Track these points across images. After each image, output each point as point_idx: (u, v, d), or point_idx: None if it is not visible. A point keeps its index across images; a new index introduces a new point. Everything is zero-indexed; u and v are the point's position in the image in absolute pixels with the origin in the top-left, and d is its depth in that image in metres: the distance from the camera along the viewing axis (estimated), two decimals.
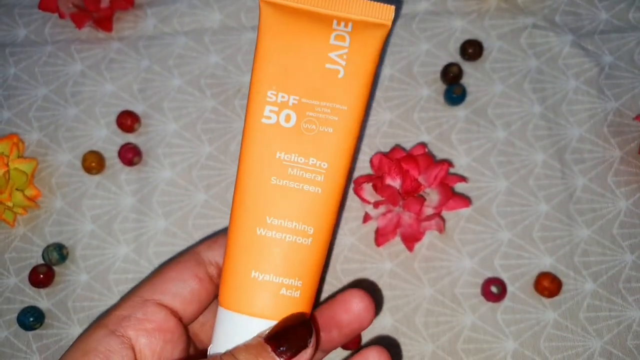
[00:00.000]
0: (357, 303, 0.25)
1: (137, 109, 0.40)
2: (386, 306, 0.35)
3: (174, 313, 0.25)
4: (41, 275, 0.35)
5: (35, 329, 0.35)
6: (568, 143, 0.37)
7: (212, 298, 0.26)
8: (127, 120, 0.39)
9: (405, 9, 0.41)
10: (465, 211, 0.36)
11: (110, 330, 0.23)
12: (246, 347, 0.22)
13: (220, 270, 0.26)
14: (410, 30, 0.40)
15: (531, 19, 0.40)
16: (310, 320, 0.23)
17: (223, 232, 0.26)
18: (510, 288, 0.35)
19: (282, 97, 0.24)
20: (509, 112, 0.38)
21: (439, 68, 0.39)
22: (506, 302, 0.35)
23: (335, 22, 0.24)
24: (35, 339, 0.35)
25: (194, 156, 0.39)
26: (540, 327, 0.34)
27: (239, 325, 0.23)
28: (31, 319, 0.35)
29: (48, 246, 0.36)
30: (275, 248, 0.23)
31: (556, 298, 0.34)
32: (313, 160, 0.24)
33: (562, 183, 0.37)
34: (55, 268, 0.36)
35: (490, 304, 0.35)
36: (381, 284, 0.35)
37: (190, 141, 0.39)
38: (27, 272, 0.36)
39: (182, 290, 0.25)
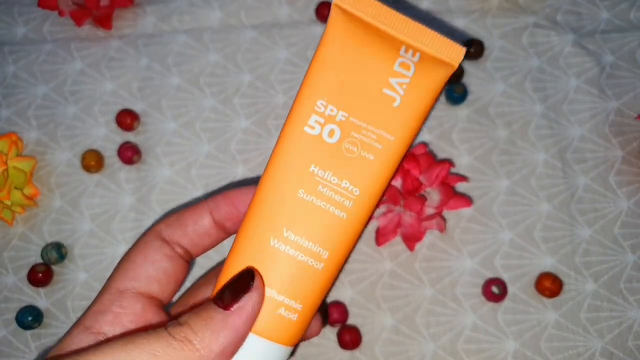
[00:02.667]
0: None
1: (137, 107, 0.40)
2: (387, 306, 0.35)
3: (152, 299, 0.23)
4: (40, 274, 0.35)
5: (33, 328, 0.35)
6: (569, 142, 0.37)
7: (186, 275, 0.25)
8: (127, 119, 0.38)
9: (407, 8, 0.41)
10: (466, 211, 0.36)
11: (86, 327, 0.22)
12: (196, 311, 0.21)
13: (185, 251, 0.25)
14: None
15: (533, 18, 0.40)
16: (253, 270, 0.22)
17: (182, 208, 0.25)
18: (511, 288, 0.35)
19: (331, 110, 0.23)
20: (510, 111, 0.38)
21: None
22: (507, 302, 0.35)
23: (403, 48, 0.23)
24: (34, 338, 0.35)
25: (193, 155, 0.38)
26: (541, 328, 0.34)
27: None
28: (30, 318, 0.34)
29: (47, 245, 0.36)
30: (285, 264, 0.22)
31: (557, 298, 0.34)
32: (346, 184, 0.23)
33: (563, 183, 0.37)
34: (54, 267, 0.36)
35: (491, 304, 0.35)
36: (382, 283, 0.35)
37: (190, 140, 0.39)
38: (25, 271, 0.36)
39: (155, 273, 0.23)
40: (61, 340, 0.22)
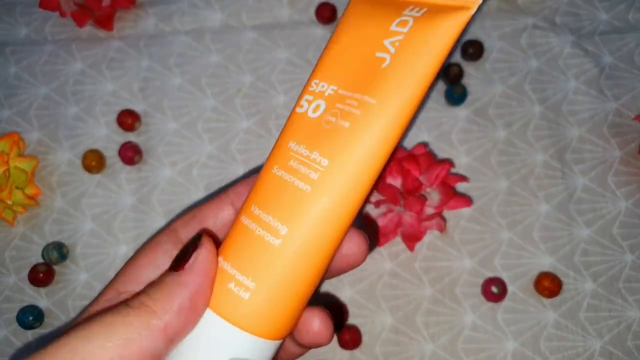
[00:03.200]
0: (318, 324, 0.23)
1: (138, 107, 0.40)
2: (387, 305, 0.35)
3: None
4: (41, 274, 0.35)
5: (34, 327, 0.35)
6: (568, 143, 0.38)
7: None
8: (128, 119, 0.39)
9: None
10: (465, 211, 0.36)
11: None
12: (152, 281, 0.21)
13: None
14: None
15: (531, 19, 0.40)
16: (201, 231, 0.22)
17: (184, 208, 0.25)
18: (510, 288, 0.35)
19: (322, 86, 0.22)
20: (510, 112, 0.38)
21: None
22: (506, 301, 0.35)
23: (410, 7, 0.21)
24: (35, 338, 0.35)
25: (194, 155, 0.39)
26: (541, 327, 0.34)
27: None
28: (31, 318, 0.35)
29: (48, 245, 0.36)
30: (243, 238, 0.21)
31: (556, 298, 0.34)
32: (315, 155, 0.21)
33: (562, 183, 0.37)
34: (55, 267, 0.36)
35: (490, 303, 0.35)
36: (381, 283, 0.35)
37: (191, 140, 0.39)
38: (26, 271, 0.36)
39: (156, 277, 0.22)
40: (51, 342, 0.21)
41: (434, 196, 0.34)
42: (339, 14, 0.41)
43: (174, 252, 0.23)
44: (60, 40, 0.42)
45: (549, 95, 0.39)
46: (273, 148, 0.22)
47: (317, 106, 0.21)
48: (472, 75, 0.39)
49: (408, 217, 0.35)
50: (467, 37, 0.40)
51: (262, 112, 0.39)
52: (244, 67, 0.40)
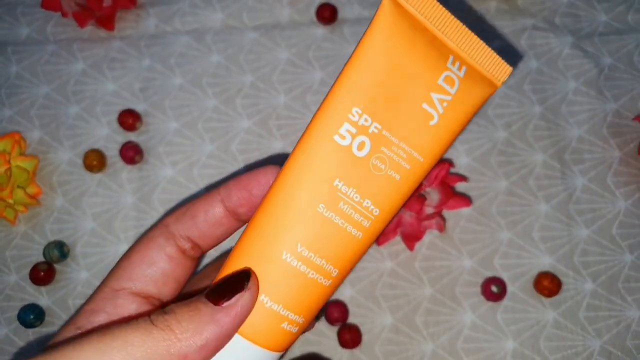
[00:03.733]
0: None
1: (139, 107, 0.40)
2: (386, 305, 0.35)
3: (149, 299, 0.22)
4: (42, 273, 0.35)
5: (35, 326, 0.35)
6: (568, 143, 0.38)
7: (191, 273, 0.24)
8: (129, 119, 0.39)
9: None
10: (465, 211, 0.36)
11: (77, 327, 0.21)
12: (185, 302, 0.20)
13: (194, 245, 0.24)
14: None
15: (531, 20, 0.41)
16: (250, 271, 0.21)
17: (191, 201, 0.25)
18: (510, 287, 0.35)
19: (366, 120, 0.21)
20: (510, 112, 0.39)
21: None
22: (506, 301, 0.35)
23: (451, 58, 0.21)
24: (36, 337, 0.35)
25: (195, 155, 0.39)
26: (540, 327, 0.34)
27: (236, 348, 0.21)
28: (31, 317, 0.35)
29: (49, 244, 0.36)
30: (295, 280, 0.21)
31: (556, 297, 0.35)
32: (367, 203, 0.21)
33: (561, 183, 0.37)
34: (56, 266, 0.36)
35: (490, 303, 0.35)
36: (382, 283, 0.35)
37: (192, 140, 0.39)
38: (27, 270, 0.36)
39: (151, 274, 0.22)
40: (53, 340, 0.22)
41: (433, 196, 0.35)
42: (340, 14, 0.41)
43: (167, 247, 0.23)
44: (61, 40, 0.42)
45: (548, 95, 0.39)
46: (307, 177, 0.21)
47: (362, 143, 0.21)
48: None
49: (408, 217, 0.35)
50: None
51: (262, 112, 0.40)
52: (245, 67, 0.41)
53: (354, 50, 0.21)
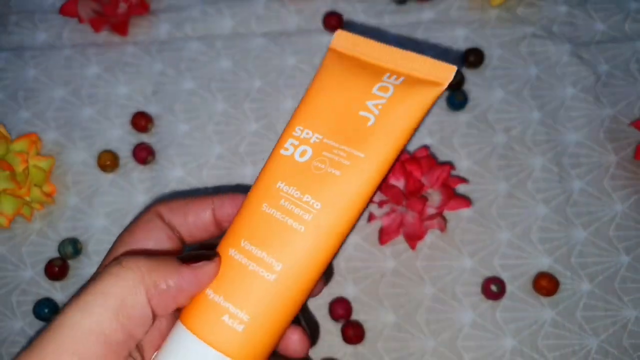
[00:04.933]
0: (295, 339, 0.25)
1: (151, 110, 0.41)
2: (389, 303, 0.36)
3: None
4: (56, 269, 0.37)
5: (50, 320, 0.36)
6: (566, 148, 0.39)
7: None
8: (141, 121, 0.40)
9: (410, 18, 0.43)
10: (466, 212, 0.38)
11: None
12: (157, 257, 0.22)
13: (180, 237, 0.25)
14: (414, 38, 0.42)
15: (530, 28, 0.42)
16: (218, 253, 0.23)
17: (185, 199, 0.26)
18: (509, 287, 0.36)
19: (307, 133, 0.24)
20: (509, 117, 0.40)
21: None
22: (505, 300, 0.36)
23: (387, 74, 0.24)
24: None
25: (204, 156, 0.40)
26: (538, 325, 0.35)
27: (180, 337, 0.22)
28: (46, 310, 0.36)
29: (63, 240, 0.38)
30: (236, 272, 0.22)
31: (554, 297, 0.36)
32: (308, 197, 0.23)
33: (559, 186, 0.38)
34: (70, 262, 0.38)
35: (489, 302, 0.36)
36: (384, 281, 0.37)
37: (201, 142, 0.40)
38: (42, 265, 0.37)
39: (155, 250, 0.24)
40: (66, 306, 0.22)
41: (434, 197, 0.36)
42: (345, 22, 0.43)
43: (165, 229, 0.25)
44: (77, 45, 0.43)
45: (547, 101, 0.40)
46: (257, 185, 0.24)
47: (304, 151, 0.24)
48: (473, 82, 0.41)
49: (410, 217, 0.36)
50: (468, 45, 0.41)
51: (269, 116, 0.41)
52: (253, 73, 0.42)
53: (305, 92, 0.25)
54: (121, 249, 0.24)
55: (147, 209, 0.26)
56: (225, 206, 0.26)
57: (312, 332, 0.36)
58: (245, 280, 0.22)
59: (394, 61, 0.24)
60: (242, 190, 0.31)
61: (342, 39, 0.25)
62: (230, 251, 0.23)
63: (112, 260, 0.23)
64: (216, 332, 0.22)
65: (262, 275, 0.22)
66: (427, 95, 0.23)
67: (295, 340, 0.24)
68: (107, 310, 0.20)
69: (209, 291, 0.22)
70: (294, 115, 0.25)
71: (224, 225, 0.26)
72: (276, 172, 0.24)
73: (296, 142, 0.24)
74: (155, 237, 0.24)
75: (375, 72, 0.24)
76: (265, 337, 0.22)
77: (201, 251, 0.23)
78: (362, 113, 0.23)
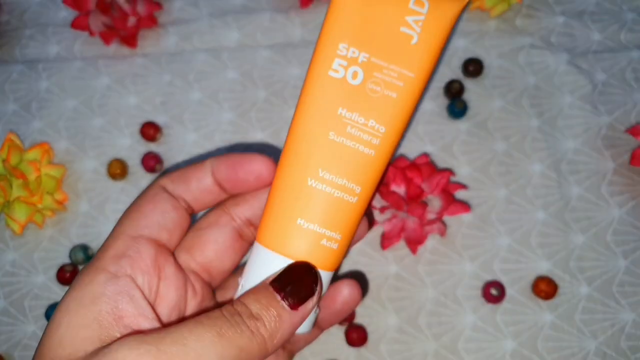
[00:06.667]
0: (347, 290, 0.27)
1: (159, 120, 0.43)
2: (392, 306, 0.37)
3: (162, 245, 0.24)
4: (67, 274, 0.38)
5: None
6: (564, 155, 0.40)
7: (189, 226, 0.26)
8: (150, 130, 0.41)
9: None
10: (466, 217, 0.38)
11: (112, 274, 0.22)
12: (254, 292, 0.22)
13: (188, 205, 0.26)
14: None
15: (529, 39, 0.43)
16: (316, 270, 0.24)
17: (183, 168, 0.26)
18: (509, 290, 0.37)
19: (353, 52, 0.24)
20: (508, 125, 0.41)
21: (442, 84, 0.42)
22: (505, 303, 0.37)
23: None
24: None
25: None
26: (538, 328, 0.36)
27: (277, 265, 0.24)
28: None
29: (74, 247, 0.39)
30: (323, 200, 0.24)
31: (553, 300, 0.36)
32: (372, 122, 0.24)
33: (558, 192, 0.39)
34: (80, 267, 0.39)
35: (490, 305, 0.37)
36: (387, 285, 0.37)
37: (209, 150, 0.42)
38: (54, 271, 0.39)
39: (165, 221, 0.24)
40: (82, 285, 0.21)
41: (435, 202, 0.37)
42: None
43: (170, 200, 0.25)
44: (88, 58, 0.45)
45: (545, 109, 0.41)
46: (314, 112, 0.24)
47: (355, 73, 0.24)
48: (473, 90, 0.42)
49: (411, 222, 0.37)
50: (468, 55, 0.43)
51: (275, 125, 0.42)
52: (259, 83, 0.43)
53: None
54: (127, 223, 0.24)
55: (151, 184, 0.26)
56: (221, 168, 0.26)
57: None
58: (335, 206, 0.24)
59: None
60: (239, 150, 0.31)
61: None
62: (310, 181, 0.24)
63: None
64: (318, 255, 0.24)
65: (347, 199, 0.24)
66: (456, 11, 0.24)
67: (345, 294, 0.27)
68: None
69: (301, 221, 0.24)
70: (328, 29, 0.24)
71: (226, 187, 0.26)
72: (334, 98, 0.24)
73: (344, 63, 0.24)
74: (161, 208, 0.24)
75: None
76: (347, 247, 0.26)
77: (300, 277, 0.23)
78: (403, 29, 0.24)
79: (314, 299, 0.23)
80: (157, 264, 0.23)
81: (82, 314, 0.21)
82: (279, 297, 0.22)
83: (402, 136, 0.25)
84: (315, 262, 0.24)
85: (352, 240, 0.26)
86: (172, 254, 0.25)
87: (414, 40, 0.24)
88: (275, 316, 0.21)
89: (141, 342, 0.19)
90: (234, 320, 0.21)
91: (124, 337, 0.20)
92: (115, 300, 0.21)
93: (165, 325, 0.22)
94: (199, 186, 0.26)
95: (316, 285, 0.23)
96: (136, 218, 0.24)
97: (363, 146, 0.24)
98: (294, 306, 0.22)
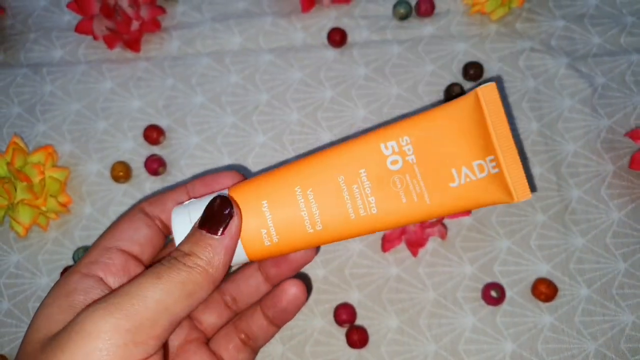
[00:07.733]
0: (293, 289, 0.29)
1: (162, 123, 0.43)
2: (392, 308, 0.37)
3: (133, 256, 0.27)
4: None
5: None
6: (564, 158, 0.40)
7: (163, 244, 0.29)
8: (153, 134, 0.42)
9: (412, 34, 0.44)
10: (466, 220, 0.39)
11: (84, 274, 0.25)
12: (186, 238, 0.25)
13: (164, 225, 0.29)
14: (416, 52, 0.43)
15: (529, 42, 0.43)
16: (228, 197, 0.26)
17: (163, 193, 0.29)
18: (509, 293, 0.37)
19: (409, 149, 0.26)
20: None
21: (443, 87, 0.42)
22: (505, 305, 0.37)
23: (491, 157, 0.25)
24: None
25: (214, 167, 0.42)
26: (538, 330, 0.36)
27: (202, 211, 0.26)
28: None
29: (78, 249, 0.39)
30: (290, 206, 0.26)
31: (552, 302, 0.36)
32: (372, 199, 0.26)
33: (558, 195, 0.39)
34: None
35: (490, 307, 0.37)
36: (388, 287, 0.38)
37: (211, 153, 0.42)
38: (58, 273, 0.39)
39: (137, 236, 0.27)
40: (59, 285, 0.25)
41: None
42: (349, 38, 0.44)
43: (145, 219, 0.28)
44: (92, 61, 0.45)
45: (545, 113, 0.41)
46: (339, 156, 0.26)
47: (396, 161, 0.26)
48: None
49: (412, 225, 0.37)
50: (468, 58, 0.43)
51: (277, 128, 0.42)
52: (261, 87, 0.44)
53: (443, 102, 0.26)
54: (104, 237, 0.27)
55: (132, 207, 0.29)
56: (196, 188, 0.29)
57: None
58: (293, 219, 0.26)
59: (504, 149, 0.25)
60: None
61: (488, 92, 0.25)
62: (298, 189, 0.26)
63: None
64: (251, 236, 0.26)
65: (306, 226, 0.26)
66: (496, 198, 0.26)
67: (291, 293, 0.29)
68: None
69: (264, 203, 0.26)
70: (410, 120, 0.26)
71: None
72: (366, 159, 0.26)
73: (397, 149, 0.26)
74: (135, 226, 0.28)
75: (486, 146, 0.25)
76: (277, 255, 0.27)
77: (215, 209, 0.25)
78: (453, 170, 0.26)
79: (235, 220, 0.25)
80: (127, 269, 0.27)
81: (57, 304, 0.24)
82: (204, 232, 0.25)
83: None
84: (242, 238, 0.26)
85: (288, 254, 0.28)
86: (146, 266, 0.28)
87: (454, 184, 0.26)
88: (207, 245, 0.24)
89: (95, 303, 0.23)
90: (170, 263, 0.24)
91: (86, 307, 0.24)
92: (87, 292, 0.24)
93: None
94: (175, 206, 0.28)
95: (232, 208, 0.25)
96: (112, 233, 0.27)
97: (351, 206, 0.26)
98: (217, 231, 0.25)
